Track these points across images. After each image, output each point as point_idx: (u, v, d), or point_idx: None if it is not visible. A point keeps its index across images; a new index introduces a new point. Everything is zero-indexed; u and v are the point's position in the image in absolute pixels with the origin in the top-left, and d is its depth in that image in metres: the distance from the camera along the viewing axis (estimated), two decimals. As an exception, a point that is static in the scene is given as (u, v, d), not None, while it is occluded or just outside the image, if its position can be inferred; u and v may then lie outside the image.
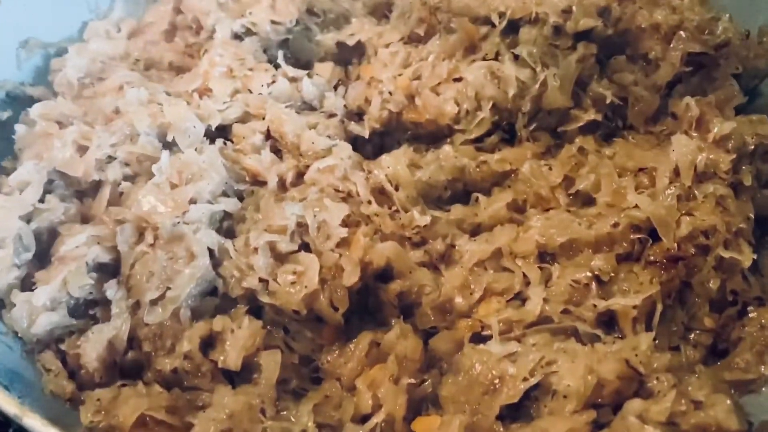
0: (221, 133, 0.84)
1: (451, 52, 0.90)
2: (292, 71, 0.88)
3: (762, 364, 0.63)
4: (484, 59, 0.88)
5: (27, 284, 0.69)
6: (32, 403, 0.56)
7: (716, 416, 0.54)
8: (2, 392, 0.52)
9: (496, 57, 0.88)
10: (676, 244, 0.68)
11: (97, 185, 0.77)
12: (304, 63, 0.97)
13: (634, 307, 0.66)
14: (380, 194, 0.79)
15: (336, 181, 0.78)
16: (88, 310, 0.69)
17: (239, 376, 0.67)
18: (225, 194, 0.78)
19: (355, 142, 0.88)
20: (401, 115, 0.88)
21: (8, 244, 0.68)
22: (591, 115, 0.85)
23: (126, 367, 0.67)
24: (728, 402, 0.55)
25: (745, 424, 0.55)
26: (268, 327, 0.70)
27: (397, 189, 0.80)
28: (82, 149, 0.78)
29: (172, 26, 1.00)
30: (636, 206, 0.72)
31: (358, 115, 0.91)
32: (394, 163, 0.81)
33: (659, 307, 0.66)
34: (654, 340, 0.65)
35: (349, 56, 0.97)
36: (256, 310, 0.71)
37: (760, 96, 0.89)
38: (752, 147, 0.77)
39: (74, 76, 0.89)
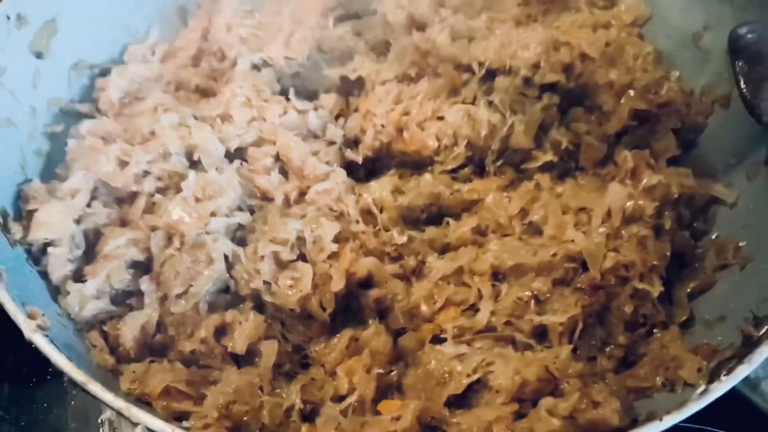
0: (238, 153, 1.00)
1: (436, 94, 1.05)
2: (300, 105, 1.04)
3: (657, 375, 0.79)
4: (463, 102, 1.04)
5: (77, 275, 0.86)
6: (86, 371, 0.72)
7: (604, 413, 0.71)
8: (70, 363, 0.69)
9: (474, 101, 1.03)
10: (600, 275, 0.84)
11: (134, 195, 0.93)
12: (311, 92, 1.12)
13: (561, 324, 0.82)
14: (367, 215, 0.95)
15: (331, 202, 0.95)
16: (125, 300, 0.86)
17: (244, 359, 0.83)
18: (239, 208, 0.94)
19: (350, 165, 1.05)
20: (391, 145, 1.04)
21: (64, 243, 0.85)
22: (549, 157, 1.01)
23: (154, 346, 0.84)
24: (616, 403, 0.72)
25: (626, 421, 0.71)
26: (269, 321, 0.86)
27: (381, 211, 0.96)
28: (123, 164, 0.94)
29: (199, 51, 1.15)
30: (572, 241, 0.87)
31: (355, 143, 1.07)
32: (380, 189, 0.97)
33: (580, 325, 0.82)
34: (575, 351, 0.82)
35: (351, 88, 1.13)
36: (259, 306, 0.87)
37: (696, 147, 1.04)
38: (676, 195, 0.92)
39: (116, 97, 1.04)
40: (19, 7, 0.94)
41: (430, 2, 1.16)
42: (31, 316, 0.72)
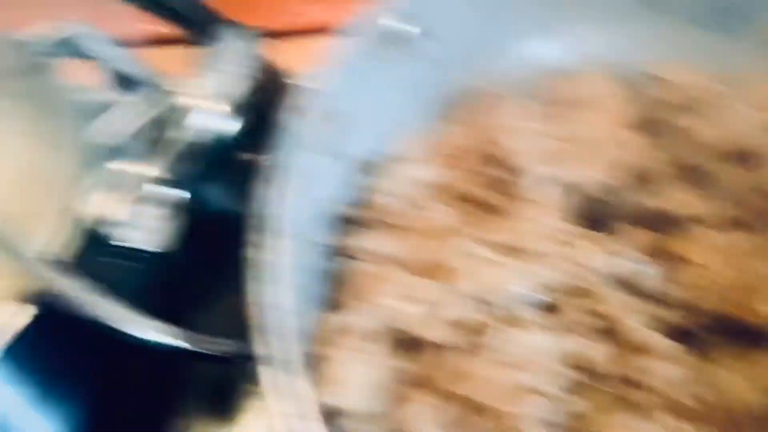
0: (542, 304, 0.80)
1: (791, 254, 0.81)
2: (629, 251, 0.83)
3: None
4: None
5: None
6: None
7: None
8: None
9: None
10: None
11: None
12: (606, 223, 0.90)
13: None
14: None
15: (678, 394, 0.72)
16: None
17: None
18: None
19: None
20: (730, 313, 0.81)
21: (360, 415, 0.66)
22: None
23: None
24: None
25: None
26: None
27: (739, 416, 0.72)
28: (411, 301, 0.75)
29: (485, 156, 0.96)
30: None
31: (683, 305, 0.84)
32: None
33: None
34: None
35: (662, 225, 0.91)
36: None
37: None
38: None
39: (392, 203, 0.87)
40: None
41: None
42: None
